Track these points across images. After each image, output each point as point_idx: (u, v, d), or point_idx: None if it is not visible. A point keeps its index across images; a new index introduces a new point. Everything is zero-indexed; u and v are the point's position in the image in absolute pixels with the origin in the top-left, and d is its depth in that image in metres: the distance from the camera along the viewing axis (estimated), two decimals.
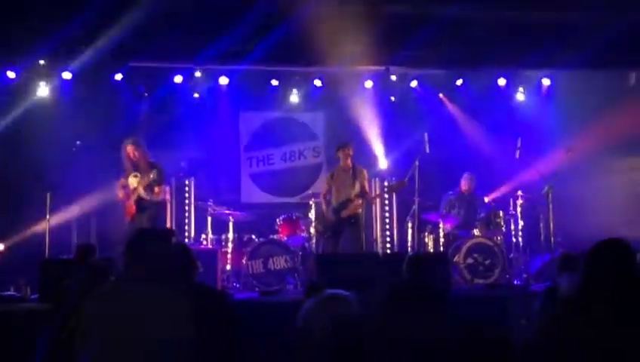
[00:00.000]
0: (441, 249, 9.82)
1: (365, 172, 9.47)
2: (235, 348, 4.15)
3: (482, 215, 9.94)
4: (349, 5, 9.01)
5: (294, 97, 11.52)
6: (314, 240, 9.52)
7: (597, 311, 3.21)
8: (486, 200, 10.47)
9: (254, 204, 11.24)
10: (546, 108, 11.57)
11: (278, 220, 9.64)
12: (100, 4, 8.65)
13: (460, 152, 11.17)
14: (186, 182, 10.87)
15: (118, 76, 10.56)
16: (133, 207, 8.73)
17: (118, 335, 3.41)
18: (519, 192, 9.80)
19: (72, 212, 10.07)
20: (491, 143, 11.07)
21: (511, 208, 9.89)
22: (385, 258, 9.61)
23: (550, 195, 9.28)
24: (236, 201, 11.02)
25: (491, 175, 10.83)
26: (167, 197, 9.40)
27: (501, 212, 9.79)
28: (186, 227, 10.82)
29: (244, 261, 8.91)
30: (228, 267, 9.31)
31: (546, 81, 11.53)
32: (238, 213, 9.84)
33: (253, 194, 11.65)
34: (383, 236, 11.39)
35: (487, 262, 9.10)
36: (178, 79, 10.79)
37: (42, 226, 9.19)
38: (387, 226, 11.43)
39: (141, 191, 8.67)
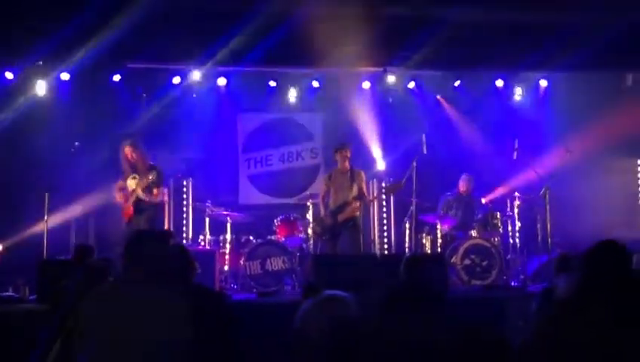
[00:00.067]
0: (439, 250, 9.84)
1: (363, 174, 9.47)
2: (232, 348, 4.16)
3: (479, 216, 9.95)
4: (346, 7, 9.02)
5: (292, 98, 11.52)
6: (312, 241, 9.53)
7: (594, 312, 3.22)
8: (483, 201, 10.48)
9: (252, 205, 11.25)
10: (543, 110, 11.59)
11: (275, 221, 9.65)
12: (97, 6, 8.66)
13: (458, 153, 11.20)
14: (184, 183, 10.87)
15: (116, 77, 10.55)
16: (131, 209, 8.72)
17: (116, 337, 3.41)
18: (516, 193, 9.82)
19: (70, 212, 10.07)
20: (488, 144, 11.09)
21: (508, 209, 9.89)
22: (382, 259, 9.63)
23: (547, 196, 9.30)
24: (234, 202, 11.02)
25: (488, 176, 10.85)
26: (165, 198, 9.40)
27: (498, 213, 9.79)
28: (184, 228, 10.81)
29: (241, 262, 8.91)
30: (226, 268, 9.32)
31: (543, 83, 11.55)
32: (235, 213, 9.84)
33: (251, 195, 11.66)
34: (381, 237, 11.40)
35: (484, 263, 9.09)
36: (176, 80, 10.79)
37: (40, 227, 9.19)
38: (385, 227, 11.44)
39: (139, 193, 8.66)
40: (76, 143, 9.58)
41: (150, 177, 8.59)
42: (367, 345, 2.92)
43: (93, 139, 10.00)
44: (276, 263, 8.87)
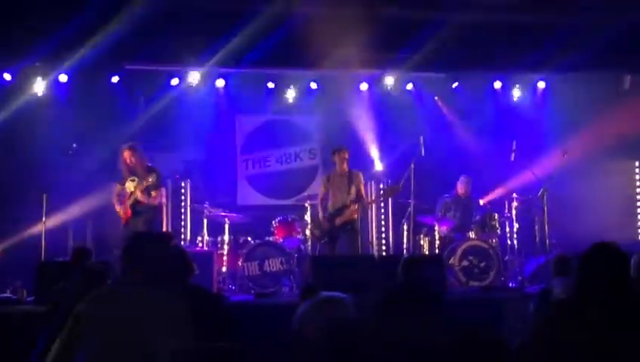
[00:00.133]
0: (437, 251, 9.84)
1: (361, 175, 9.47)
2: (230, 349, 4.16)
3: (477, 217, 9.96)
4: (344, 8, 9.03)
5: (290, 100, 11.52)
6: (309, 243, 9.53)
7: (591, 314, 3.23)
8: (481, 202, 10.49)
9: (250, 206, 11.25)
10: (541, 111, 11.61)
11: (273, 222, 9.65)
12: (95, 7, 8.67)
13: (455, 155, 11.21)
14: (182, 185, 10.87)
15: (115, 78, 10.56)
16: (129, 211, 8.71)
17: (114, 339, 3.41)
18: (514, 195, 9.84)
19: (68, 214, 10.06)
20: (486, 146, 11.10)
21: (506, 211, 9.89)
22: (380, 260, 9.63)
23: (545, 197, 9.31)
24: (232, 203, 11.03)
25: (486, 178, 10.86)
26: (163, 200, 9.38)
27: (496, 214, 9.81)
28: (182, 229, 10.82)
29: (239, 263, 8.90)
30: (224, 269, 9.32)
31: (541, 84, 11.57)
32: (233, 215, 9.84)
33: (249, 196, 11.66)
34: (379, 238, 11.41)
35: (482, 264, 9.10)
36: (174, 82, 10.79)
37: (38, 228, 9.19)
38: (383, 229, 11.45)
39: (138, 195, 8.64)
40: (74, 145, 9.56)
41: (150, 179, 8.58)
42: (365, 347, 2.92)
43: (92, 141, 9.99)
44: (274, 264, 8.87)
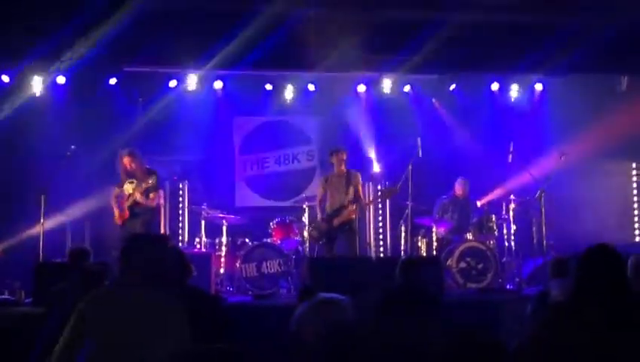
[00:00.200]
0: (434, 253, 9.84)
1: (359, 175, 9.49)
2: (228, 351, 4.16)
3: (475, 219, 9.96)
4: (342, 11, 9.05)
5: (288, 101, 11.52)
6: (307, 244, 9.53)
7: (589, 315, 3.24)
8: (479, 204, 10.49)
9: (248, 208, 11.26)
10: (538, 113, 11.61)
11: (271, 224, 9.65)
12: (93, 9, 8.67)
13: (453, 157, 11.22)
14: (180, 186, 10.87)
15: (113, 80, 10.56)
16: (127, 213, 8.72)
17: (112, 340, 3.42)
18: (512, 196, 9.82)
19: (66, 215, 10.07)
20: (484, 147, 11.10)
21: (503, 212, 9.89)
22: (378, 262, 9.65)
23: (542, 199, 9.32)
24: (230, 205, 11.03)
25: (484, 179, 10.86)
26: (161, 201, 9.39)
27: (494, 216, 9.80)
28: (180, 230, 10.83)
29: (237, 264, 8.90)
30: (221, 270, 9.32)
31: (538, 86, 11.56)
32: (231, 216, 9.85)
33: (247, 197, 11.66)
34: (376, 240, 11.42)
35: (479, 266, 9.10)
36: (172, 84, 10.79)
37: (37, 229, 9.17)
38: (380, 230, 11.46)
39: (137, 196, 8.65)
40: (72, 146, 9.55)
41: (150, 181, 8.59)
42: (362, 348, 2.93)
43: (90, 142, 9.99)
44: (272, 266, 8.87)
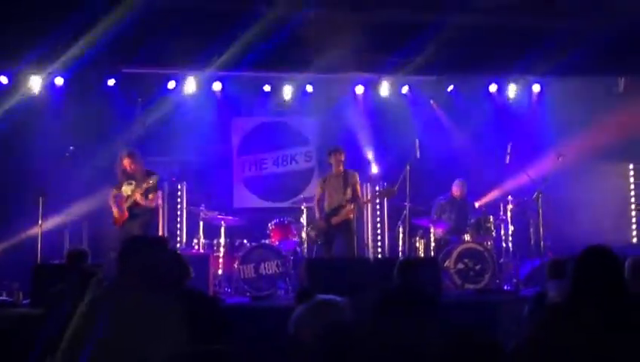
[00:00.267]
0: (432, 254, 9.85)
1: (357, 175, 9.51)
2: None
3: (472, 220, 9.96)
4: (340, 12, 9.05)
5: (287, 102, 11.53)
6: (305, 245, 9.53)
7: (586, 316, 3.25)
8: (476, 205, 10.50)
9: (246, 209, 11.26)
10: (536, 114, 11.62)
11: (269, 225, 9.64)
12: (91, 10, 8.67)
13: (451, 158, 11.22)
14: (179, 187, 10.87)
15: (111, 81, 10.56)
16: (126, 214, 8.72)
17: (110, 342, 3.42)
18: (509, 197, 9.83)
19: (64, 216, 10.06)
20: (482, 148, 11.12)
21: (501, 213, 9.90)
22: (376, 263, 9.65)
23: (540, 200, 9.33)
24: (228, 206, 11.02)
25: (481, 180, 10.87)
26: (160, 202, 9.39)
27: (491, 217, 9.80)
28: (178, 232, 10.82)
29: (235, 266, 8.91)
30: (219, 272, 9.31)
31: (536, 87, 11.57)
32: (229, 217, 9.86)
33: (245, 198, 11.66)
34: (374, 241, 11.41)
35: (477, 267, 9.11)
36: (171, 85, 10.80)
37: (35, 231, 9.16)
38: (378, 231, 11.46)
39: (137, 197, 8.66)
40: (71, 147, 9.56)
41: (150, 182, 8.60)
42: (360, 349, 2.94)
43: (88, 144, 10.00)
44: (270, 267, 8.87)
